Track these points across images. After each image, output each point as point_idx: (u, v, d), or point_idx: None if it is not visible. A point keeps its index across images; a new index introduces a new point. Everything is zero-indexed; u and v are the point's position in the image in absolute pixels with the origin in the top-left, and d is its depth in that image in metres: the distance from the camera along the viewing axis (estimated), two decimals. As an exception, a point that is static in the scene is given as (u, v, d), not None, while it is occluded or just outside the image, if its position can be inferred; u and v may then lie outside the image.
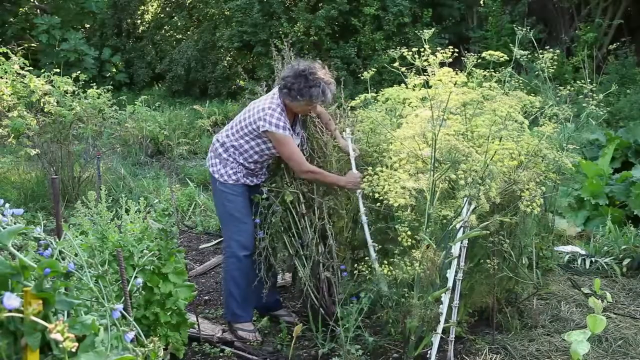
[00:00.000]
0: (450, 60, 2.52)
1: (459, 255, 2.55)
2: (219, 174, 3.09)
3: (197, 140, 9.05)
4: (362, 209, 2.92)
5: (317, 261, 3.01)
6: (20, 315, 1.32)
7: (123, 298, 1.85)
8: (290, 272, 3.67)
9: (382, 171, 2.49)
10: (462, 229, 2.50)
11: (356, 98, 3.12)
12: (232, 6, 13.00)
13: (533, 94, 2.83)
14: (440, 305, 2.53)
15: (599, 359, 2.82)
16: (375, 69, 3.14)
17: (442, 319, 2.53)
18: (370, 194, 2.54)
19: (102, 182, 5.40)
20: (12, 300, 1.25)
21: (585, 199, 4.90)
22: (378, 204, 2.57)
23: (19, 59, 5.60)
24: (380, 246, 2.83)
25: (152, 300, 2.51)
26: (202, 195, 5.94)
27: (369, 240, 2.89)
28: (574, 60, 10.42)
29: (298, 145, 3.01)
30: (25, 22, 15.13)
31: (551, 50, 3.11)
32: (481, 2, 12.84)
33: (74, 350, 1.28)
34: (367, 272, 2.70)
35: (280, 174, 3.17)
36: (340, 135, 3.15)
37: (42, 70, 5.92)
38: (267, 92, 3.24)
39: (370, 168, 2.56)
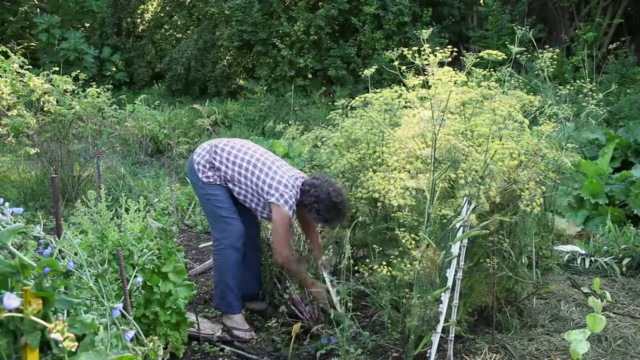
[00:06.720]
0: (450, 59, 2.51)
1: (459, 254, 2.55)
2: (204, 175, 3.12)
3: (196, 139, 9.04)
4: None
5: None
6: (20, 314, 1.32)
7: (123, 297, 1.85)
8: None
9: (376, 173, 2.50)
10: (461, 228, 2.50)
11: (356, 98, 3.12)
12: (232, 5, 12.99)
13: (533, 94, 2.82)
14: (440, 305, 2.53)
15: (598, 358, 2.82)
16: (375, 68, 3.13)
17: (442, 318, 2.53)
18: (368, 194, 2.53)
19: (102, 181, 5.40)
20: (11, 299, 1.25)
21: (585, 198, 4.90)
22: (379, 204, 2.57)
23: (19, 58, 5.60)
24: (380, 248, 2.84)
25: (151, 299, 2.51)
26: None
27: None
28: (574, 60, 10.43)
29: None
30: (25, 21, 15.13)
31: (551, 49, 3.11)
32: (481, 2, 12.85)
33: (73, 349, 1.28)
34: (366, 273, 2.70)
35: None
36: (318, 246, 3.32)
37: (42, 69, 5.91)
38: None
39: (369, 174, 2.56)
